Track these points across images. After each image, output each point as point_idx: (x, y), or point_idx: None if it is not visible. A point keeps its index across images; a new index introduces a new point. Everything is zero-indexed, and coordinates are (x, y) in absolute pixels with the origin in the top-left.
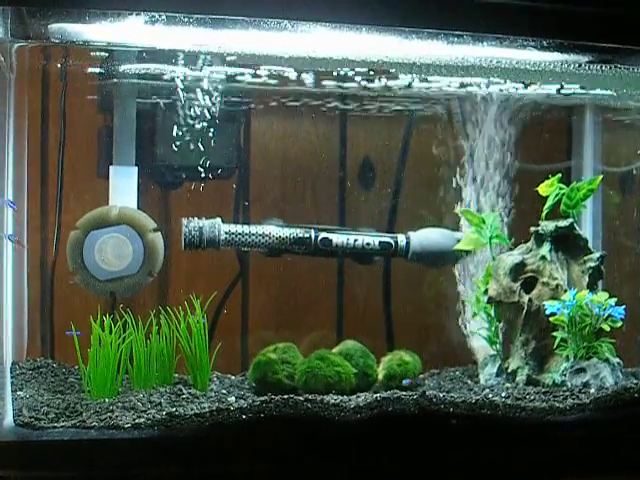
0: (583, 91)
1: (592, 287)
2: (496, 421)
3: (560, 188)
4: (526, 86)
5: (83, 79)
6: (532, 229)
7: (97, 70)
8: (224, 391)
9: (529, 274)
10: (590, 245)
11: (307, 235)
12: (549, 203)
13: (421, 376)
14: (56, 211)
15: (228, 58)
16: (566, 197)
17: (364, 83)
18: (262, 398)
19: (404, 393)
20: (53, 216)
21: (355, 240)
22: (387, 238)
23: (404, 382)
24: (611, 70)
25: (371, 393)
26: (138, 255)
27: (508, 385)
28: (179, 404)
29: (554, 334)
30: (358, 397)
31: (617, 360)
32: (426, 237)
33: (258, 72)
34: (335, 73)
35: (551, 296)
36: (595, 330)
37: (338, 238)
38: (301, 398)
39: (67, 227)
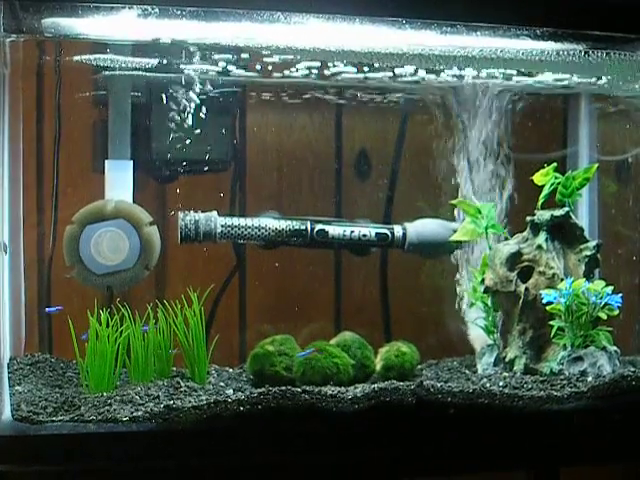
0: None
1: (588, 276)
2: (494, 410)
3: (555, 177)
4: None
5: (77, 73)
6: (528, 218)
7: (91, 64)
8: (222, 384)
9: (525, 263)
10: (586, 234)
11: (303, 227)
12: (545, 192)
13: (419, 367)
14: (52, 206)
15: (223, 50)
16: (562, 186)
17: (360, 74)
18: (260, 390)
19: (402, 384)
20: (49, 211)
21: (351, 231)
22: (383, 229)
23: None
24: (606, 58)
25: (369, 384)
26: (134, 249)
27: (506, 374)
28: (177, 397)
29: (551, 323)
30: (356, 388)
31: (614, 348)
32: (423, 228)
33: (253, 64)
34: (330, 64)
35: (548, 285)
36: (592, 319)
37: (334, 230)
38: (299, 390)
39: (63, 222)
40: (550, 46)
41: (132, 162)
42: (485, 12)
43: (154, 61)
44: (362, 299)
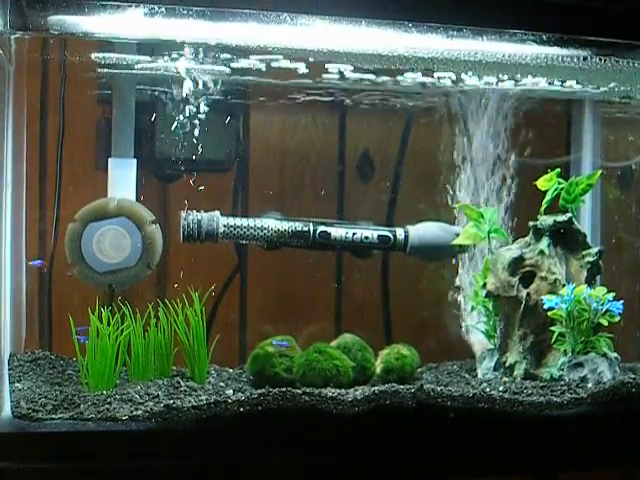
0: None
1: (590, 282)
2: (493, 415)
3: (559, 183)
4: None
5: (82, 71)
6: (531, 223)
7: (96, 62)
8: (222, 384)
9: (527, 268)
10: (589, 240)
11: (306, 228)
12: (548, 198)
13: (419, 370)
14: (55, 203)
15: (228, 50)
16: (565, 192)
17: (364, 76)
18: (260, 391)
19: (402, 387)
20: (52, 208)
21: (354, 234)
22: (386, 232)
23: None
24: (611, 65)
25: (369, 386)
26: (136, 247)
27: (506, 379)
28: (177, 396)
29: (552, 329)
30: (356, 390)
31: (615, 355)
32: (425, 231)
33: (258, 65)
34: (335, 66)
35: (549, 291)
36: (593, 325)
37: (337, 231)
38: (299, 391)
39: (65, 219)
40: (555, 51)
41: (136, 160)
42: (489, 17)
43: (159, 60)
44: (363, 301)
